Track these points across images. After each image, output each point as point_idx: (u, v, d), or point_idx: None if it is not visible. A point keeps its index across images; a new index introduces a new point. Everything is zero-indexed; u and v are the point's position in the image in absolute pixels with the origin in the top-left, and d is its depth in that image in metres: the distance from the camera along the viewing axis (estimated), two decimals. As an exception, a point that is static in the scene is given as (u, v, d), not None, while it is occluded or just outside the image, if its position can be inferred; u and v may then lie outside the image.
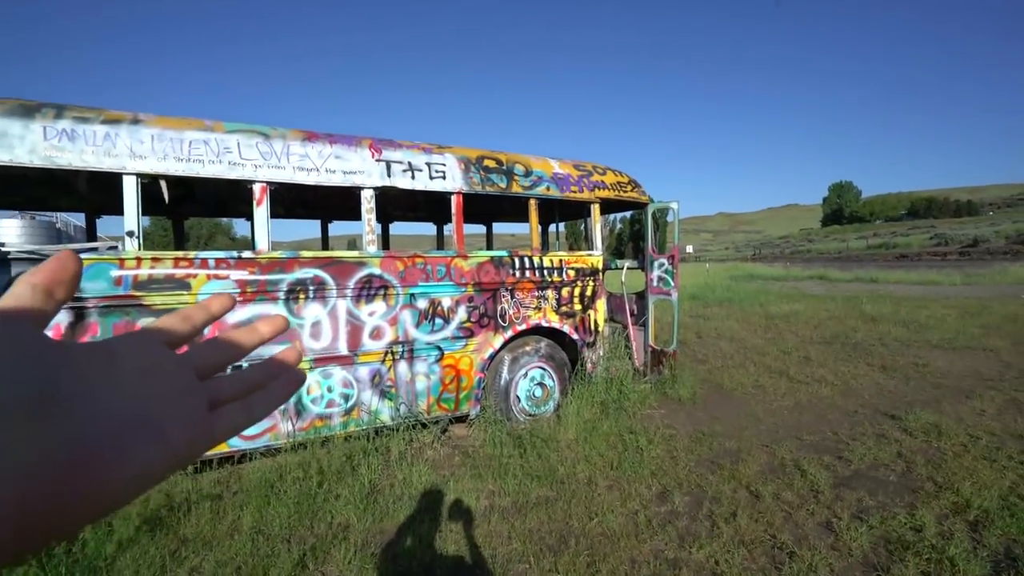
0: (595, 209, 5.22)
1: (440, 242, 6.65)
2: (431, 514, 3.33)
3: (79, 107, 3.41)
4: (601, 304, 5.18)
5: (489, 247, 6.55)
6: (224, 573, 2.79)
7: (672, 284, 5.46)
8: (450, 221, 4.55)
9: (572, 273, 4.98)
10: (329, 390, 3.92)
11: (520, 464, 3.90)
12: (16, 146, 3.12)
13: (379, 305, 4.04)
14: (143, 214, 3.61)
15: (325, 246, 6.17)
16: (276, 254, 3.71)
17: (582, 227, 6.31)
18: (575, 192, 5.08)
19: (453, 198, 4.37)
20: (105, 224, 5.79)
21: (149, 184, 3.51)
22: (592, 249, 5.20)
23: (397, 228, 7.38)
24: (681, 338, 7.41)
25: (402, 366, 4.16)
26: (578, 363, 5.04)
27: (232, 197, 5.29)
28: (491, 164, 4.60)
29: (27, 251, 3.13)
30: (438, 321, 4.27)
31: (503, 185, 4.61)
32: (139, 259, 3.35)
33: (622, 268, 5.90)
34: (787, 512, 3.19)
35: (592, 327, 5.12)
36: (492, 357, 4.56)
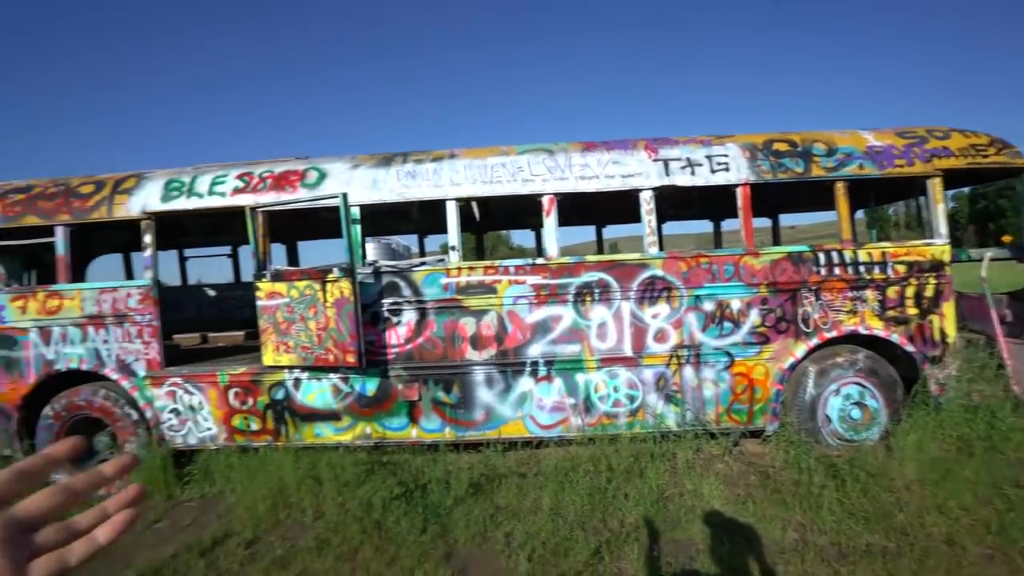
0: (934, 185, 4.03)
1: (717, 240, 6.16)
2: (728, 534, 3.05)
3: (416, 152, 4.31)
4: (949, 308, 3.96)
5: (776, 243, 5.75)
6: (532, 544, 3.10)
7: (1079, 279, 3.81)
8: (731, 216, 4.14)
9: (902, 268, 3.94)
10: (615, 390, 4.00)
11: (837, 498, 3.26)
12: (382, 188, 4.12)
13: (662, 307, 3.94)
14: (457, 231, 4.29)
15: (600, 250, 6.40)
16: (564, 259, 3.99)
17: (891, 211, 4.93)
18: (902, 166, 4.02)
19: (739, 190, 3.95)
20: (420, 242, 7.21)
21: (464, 206, 4.19)
22: (932, 236, 4.03)
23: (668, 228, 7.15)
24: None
25: (688, 371, 3.96)
26: (917, 383, 3.95)
27: (519, 210, 5.94)
28: (783, 147, 4.00)
29: (390, 266, 4.10)
30: (727, 325, 3.92)
31: (799, 170, 3.96)
32: (459, 268, 4.04)
33: (982, 260, 4.40)
34: None
35: (936, 337, 3.95)
36: (793, 367, 3.95)
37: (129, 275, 6.81)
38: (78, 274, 6.81)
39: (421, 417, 4.10)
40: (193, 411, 4.22)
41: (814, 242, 4.20)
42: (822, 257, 3.93)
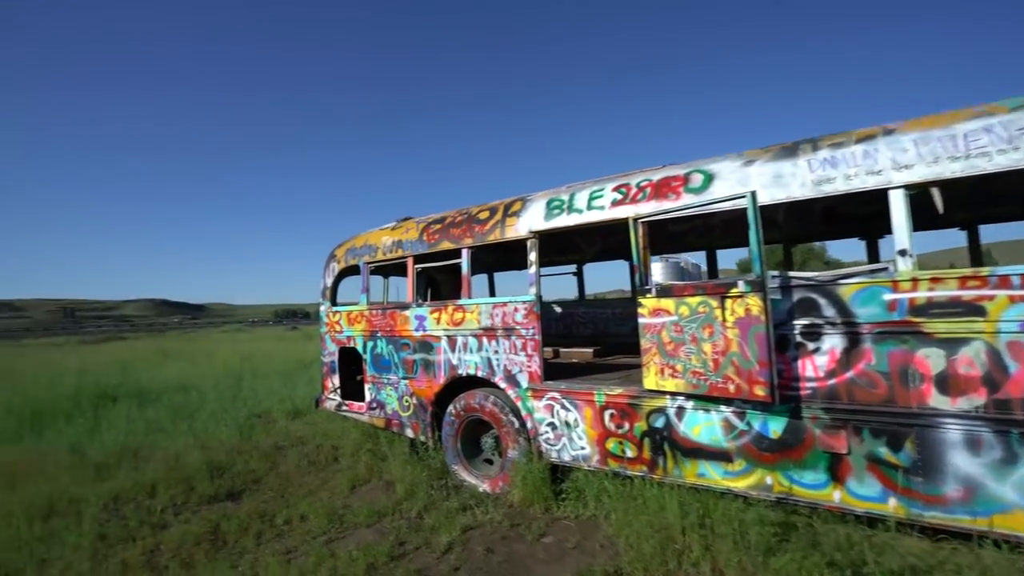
0: None
1: None
2: None
3: (830, 136, 3.41)
4: None
5: None
6: None
7: None
8: None
9: None
10: None
11: None
12: (789, 183, 3.36)
13: None
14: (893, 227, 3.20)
15: (976, 259, 4.21)
16: None
17: None
18: None
19: None
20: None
21: (917, 194, 3.08)
22: None
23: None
24: None
25: None
26: None
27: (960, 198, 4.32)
28: None
29: (804, 279, 3.29)
30: None
31: None
32: (915, 280, 2.94)
33: None
34: None
35: None
36: None
37: (491, 293, 7.77)
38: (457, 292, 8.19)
39: (850, 476, 3.11)
40: (568, 428, 4.22)
41: None
42: None
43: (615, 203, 4.08)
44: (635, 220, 3.84)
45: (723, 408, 3.48)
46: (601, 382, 4.27)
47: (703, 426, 3.58)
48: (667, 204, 3.79)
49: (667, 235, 6.24)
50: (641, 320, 3.78)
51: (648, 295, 3.73)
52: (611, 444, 4.01)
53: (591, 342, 6.47)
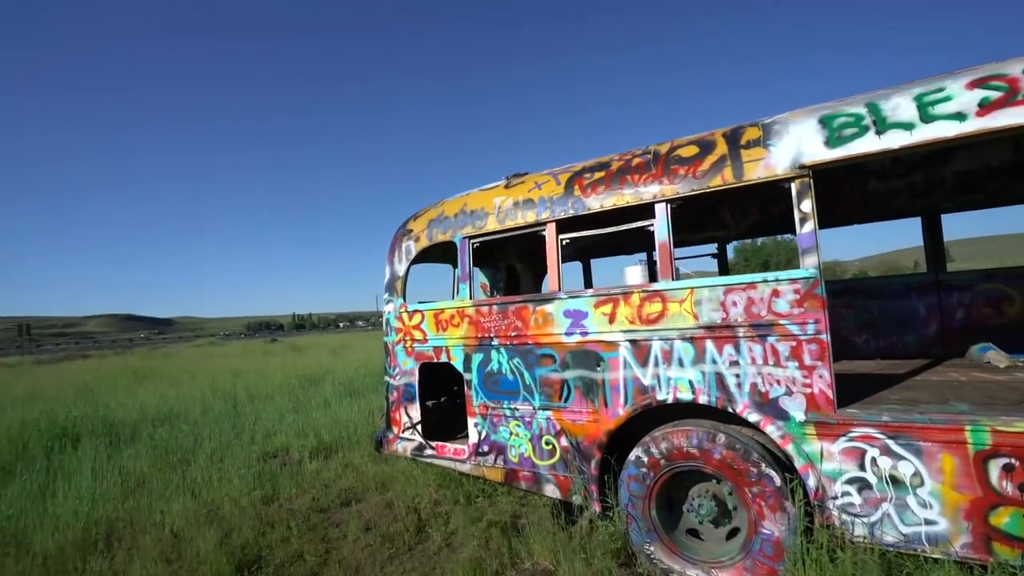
0: None
1: None
2: None
3: None
4: None
5: None
6: None
7: None
8: None
9: None
10: None
11: None
12: None
13: None
14: None
15: None
16: None
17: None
18: None
19: None
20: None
21: None
22: None
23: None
24: None
25: None
26: None
27: None
28: None
29: None
30: None
31: None
32: None
33: None
34: None
35: None
36: None
37: (588, 284, 5.99)
38: (538, 287, 6.36)
39: None
40: (899, 487, 2.48)
41: None
42: None
43: (987, 106, 2.39)
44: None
45: None
46: (960, 412, 2.53)
47: None
48: None
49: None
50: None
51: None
52: (1003, 518, 2.29)
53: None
